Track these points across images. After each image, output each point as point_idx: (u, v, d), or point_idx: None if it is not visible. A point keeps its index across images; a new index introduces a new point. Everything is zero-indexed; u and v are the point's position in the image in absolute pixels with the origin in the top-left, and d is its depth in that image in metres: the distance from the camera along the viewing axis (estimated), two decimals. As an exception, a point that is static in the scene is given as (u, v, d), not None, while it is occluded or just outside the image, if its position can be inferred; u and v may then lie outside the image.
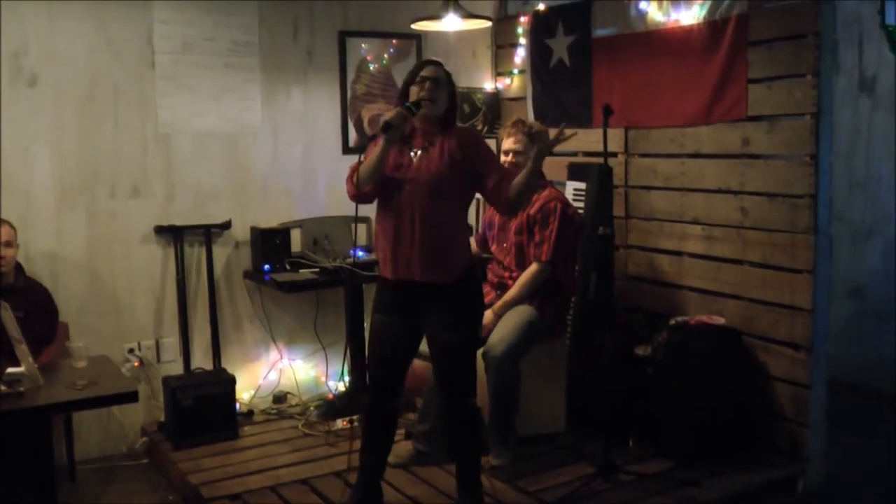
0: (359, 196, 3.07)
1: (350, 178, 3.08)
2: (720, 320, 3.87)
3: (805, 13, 3.51)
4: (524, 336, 3.66)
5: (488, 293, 3.87)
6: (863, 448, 4.22)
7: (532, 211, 3.77)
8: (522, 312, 3.73)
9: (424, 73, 3.09)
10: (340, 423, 4.14)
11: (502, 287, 3.86)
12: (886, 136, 5.08)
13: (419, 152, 3.08)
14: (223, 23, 4.32)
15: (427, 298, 3.09)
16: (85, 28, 4.00)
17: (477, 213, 4.69)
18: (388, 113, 3.02)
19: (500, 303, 3.77)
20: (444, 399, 3.27)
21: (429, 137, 3.10)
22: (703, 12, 3.90)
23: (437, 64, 3.16)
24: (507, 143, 3.79)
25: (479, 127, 5.02)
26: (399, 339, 3.16)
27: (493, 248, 3.96)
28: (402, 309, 3.13)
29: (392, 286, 3.13)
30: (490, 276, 3.96)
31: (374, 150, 3.00)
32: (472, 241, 4.00)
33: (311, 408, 4.42)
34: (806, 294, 3.61)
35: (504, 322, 3.70)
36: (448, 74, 3.16)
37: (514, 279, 3.82)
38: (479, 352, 3.66)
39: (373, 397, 3.24)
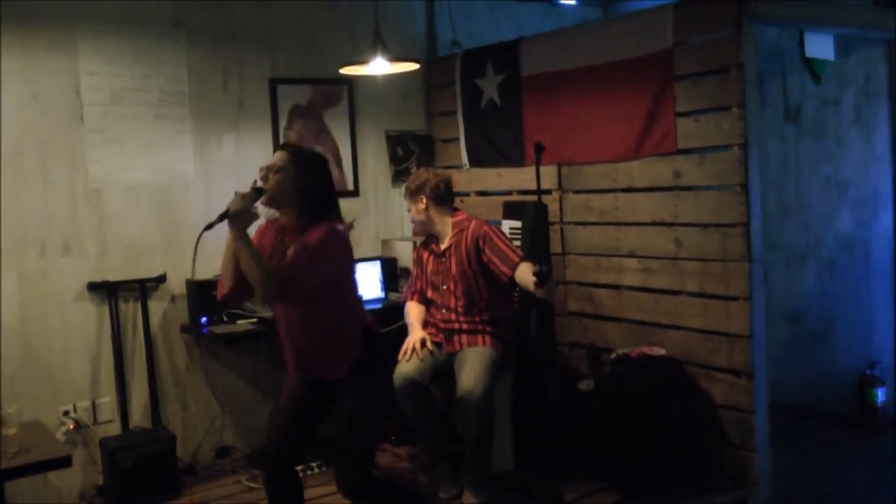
0: (221, 296, 2.91)
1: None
2: (661, 351, 3.91)
3: (727, 47, 3.60)
4: (493, 375, 3.61)
5: (435, 335, 3.81)
6: (808, 467, 4.29)
7: (469, 242, 3.72)
8: (483, 353, 3.67)
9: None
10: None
11: (449, 332, 3.78)
12: (814, 163, 5.23)
13: (291, 247, 2.88)
14: (152, 73, 4.27)
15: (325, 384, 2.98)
16: (9, 81, 3.89)
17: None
18: (232, 200, 2.79)
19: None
20: (339, 472, 3.03)
21: (299, 230, 2.89)
22: (629, 49, 3.98)
23: (283, 148, 2.96)
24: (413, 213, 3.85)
25: (414, 169, 5.01)
26: (302, 399, 3.02)
27: (430, 294, 3.89)
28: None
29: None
30: (432, 320, 3.88)
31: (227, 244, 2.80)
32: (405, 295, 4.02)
33: (255, 461, 4.30)
34: (743, 320, 3.67)
35: (471, 364, 3.60)
36: (295, 156, 2.90)
37: (462, 322, 3.74)
38: (457, 397, 3.54)
39: (270, 462, 2.99)
